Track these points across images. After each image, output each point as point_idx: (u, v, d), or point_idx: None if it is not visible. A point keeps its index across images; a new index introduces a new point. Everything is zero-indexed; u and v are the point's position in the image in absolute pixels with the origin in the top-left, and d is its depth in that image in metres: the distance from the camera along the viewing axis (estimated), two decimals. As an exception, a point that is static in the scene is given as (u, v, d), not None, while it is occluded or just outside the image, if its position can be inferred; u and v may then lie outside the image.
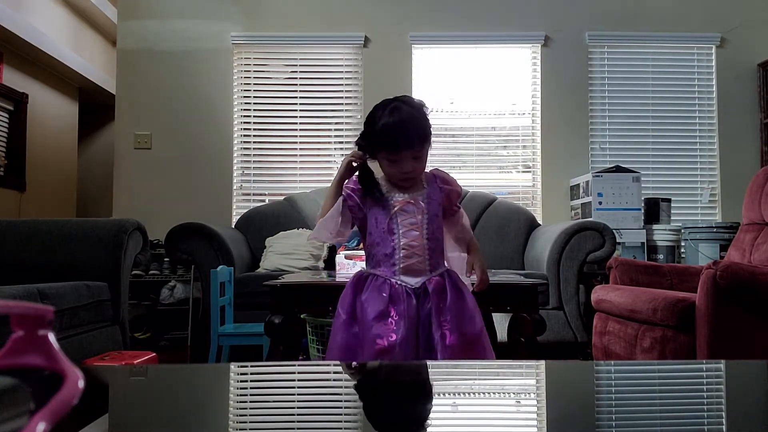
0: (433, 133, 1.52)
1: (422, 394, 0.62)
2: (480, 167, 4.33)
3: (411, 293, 1.43)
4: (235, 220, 4.12)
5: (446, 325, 1.42)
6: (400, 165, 1.45)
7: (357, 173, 1.51)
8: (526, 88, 4.38)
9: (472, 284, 1.56)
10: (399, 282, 1.44)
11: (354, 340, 1.45)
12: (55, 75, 5.47)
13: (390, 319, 1.40)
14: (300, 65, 4.39)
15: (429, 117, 1.49)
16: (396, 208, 1.46)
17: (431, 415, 0.55)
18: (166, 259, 4.01)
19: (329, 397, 0.63)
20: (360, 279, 1.50)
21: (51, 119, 5.49)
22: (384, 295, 1.42)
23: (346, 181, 1.51)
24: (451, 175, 1.58)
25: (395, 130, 1.42)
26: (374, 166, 1.51)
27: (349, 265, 2.21)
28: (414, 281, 1.44)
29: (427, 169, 1.54)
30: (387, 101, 1.47)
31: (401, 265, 1.44)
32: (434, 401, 0.59)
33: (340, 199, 1.49)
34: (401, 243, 1.44)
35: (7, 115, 4.86)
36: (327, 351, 1.53)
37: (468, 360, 1.38)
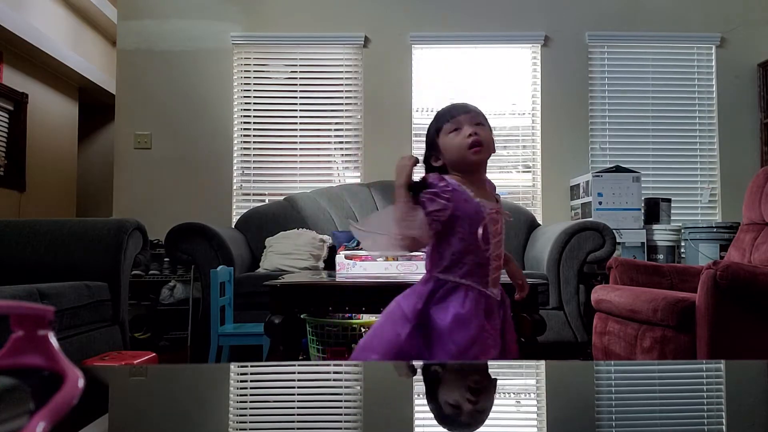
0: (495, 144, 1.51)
1: (424, 395, 0.62)
2: (480, 167, 4.32)
3: (499, 305, 1.41)
4: (235, 220, 4.12)
5: (509, 331, 1.44)
6: (462, 131, 1.38)
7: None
8: (526, 88, 4.38)
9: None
10: (491, 293, 1.38)
11: (411, 348, 1.33)
12: (55, 75, 5.47)
13: (486, 334, 1.35)
14: (300, 65, 4.39)
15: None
16: (489, 217, 1.37)
17: (433, 416, 0.55)
18: (166, 259, 4.01)
19: (329, 397, 0.63)
20: (439, 286, 1.37)
21: (51, 119, 5.49)
22: (482, 308, 1.36)
23: (427, 177, 1.39)
24: None
25: (450, 105, 1.45)
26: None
27: (349, 265, 2.21)
28: (497, 292, 1.41)
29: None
30: None
31: (492, 276, 1.39)
32: (435, 401, 0.59)
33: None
34: (494, 253, 1.38)
35: (7, 115, 4.86)
36: (361, 349, 1.40)
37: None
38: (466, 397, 0.61)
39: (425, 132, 1.47)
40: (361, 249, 2.24)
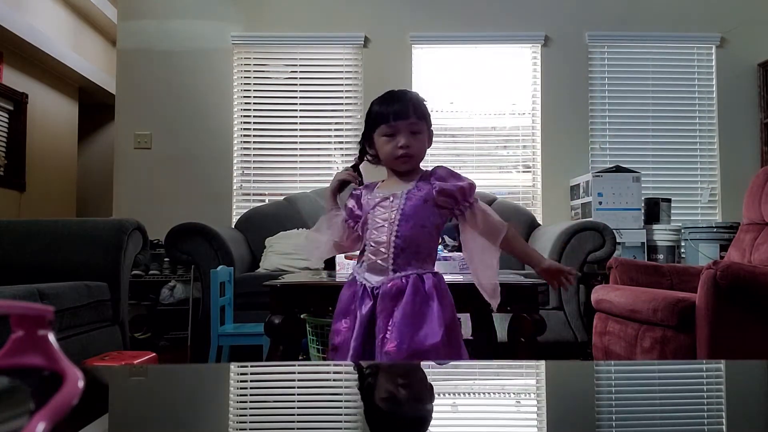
0: (433, 133, 1.49)
1: (422, 395, 0.62)
2: (480, 167, 4.33)
3: (369, 292, 1.40)
4: (235, 220, 4.12)
5: (390, 330, 1.34)
6: (397, 139, 1.41)
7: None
8: (526, 88, 4.38)
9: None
10: (362, 280, 1.42)
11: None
12: (55, 75, 5.47)
13: (346, 319, 1.42)
14: (300, 65, 4.39)
15: (427, 105, 1.47)
16: (374, 204, 1.44)
17: (431, 416, 0.55)
18: (166, 259, 4.01)
19: (329, 397, 0.63)
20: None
21: (51, 119, 5.49)
22: (353, 290, 1.43)
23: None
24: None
25: (389, 101, 1.44)
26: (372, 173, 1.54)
27: (349, 265, 2.21)
28: (374, 280, 1.40)
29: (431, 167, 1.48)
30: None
31: (366, 263, 1.42)
32: (434, 401, 0.59)
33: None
34: (370, 240, 1.42)
35: (7, 115, 4.86)
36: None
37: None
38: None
39: (368, 110, 1.51)
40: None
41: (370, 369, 0.79)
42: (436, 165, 1.48)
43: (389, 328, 1.34)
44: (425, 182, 1.44)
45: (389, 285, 1.37)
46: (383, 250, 1.39)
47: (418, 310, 1.35)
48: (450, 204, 1.41)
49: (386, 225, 1.40)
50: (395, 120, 1.40)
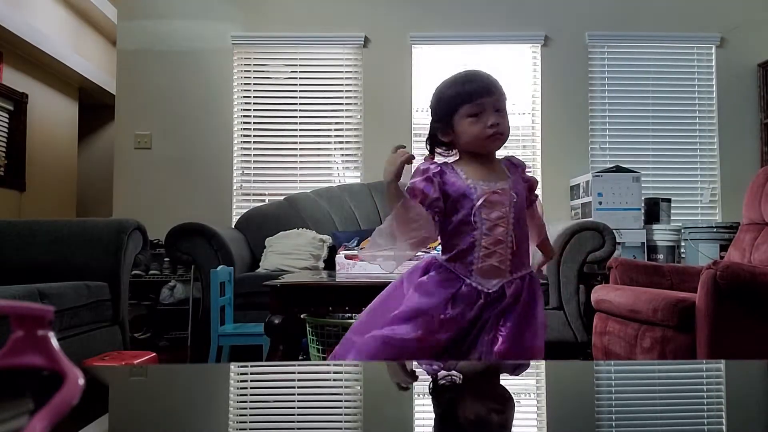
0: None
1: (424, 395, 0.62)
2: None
3: (482, 297, 1.26)
4: (235, 220, 4.12)
5: (503, 330, 1.26)
6: (484, 118, 1.28)
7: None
8: (526, 87, 4.38)
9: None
10: (474, 283, 1.27)
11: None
12: (55, 75, 5.47)
13: (438, 316, 1.25)
14: (300, 65, 4.38)
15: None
16: (483, 199, 1.26)
17: (432, 416, 0.55)
18: (166, 259, 4.01)
19: (329, 397, 0.63)
20: (431, 265, 1.33)
21: (51, 119, 5.49)
22: (448, 291, 1.26)
23: (419, 164, 1.31)
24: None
25: (466, 81, 1.31)
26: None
27: (349, 265, 2.21)
28: (490, 284, 1.27)
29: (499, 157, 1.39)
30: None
31: (479, 265, 1.27)
32: (434, 402, 0.59)
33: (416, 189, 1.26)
34: (483, 241, 1.27)
35: (7, 115, 4.85)
36: (364, 320, 1.35)
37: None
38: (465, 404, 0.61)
39: (434, 97, 1.35)
40: (361, 248, 2.24)
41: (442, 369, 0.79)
42: (508, 154, 1.41)
43: (501, 329, 1.26)
44: (514, 174, 1.35)
45: (512, 289, 1.28)
46: (501, 251, 1.27)
47: (530, 314, 1.31)
48: (527, 198, 1.38)
49: (502, 224, 1.27)
50: (480, 98, 1.28)
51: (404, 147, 1.24)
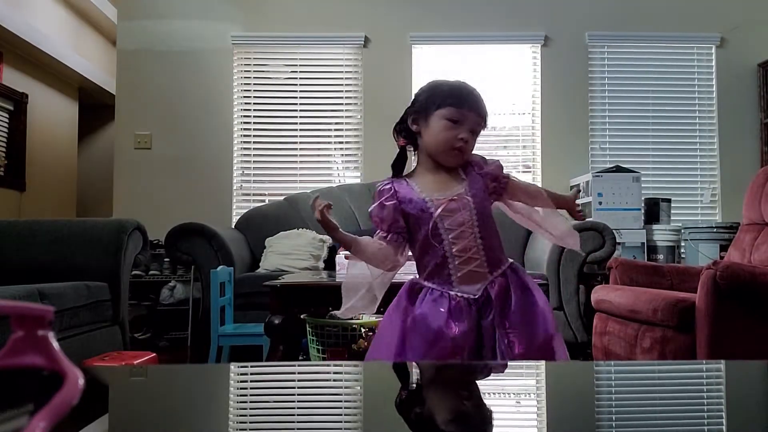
0: None
1: (422, 395, 0.62)
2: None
3: (472, 304, 1.26)
4: (235, 220, 4.12)
5: (512, 331, 1.26)
6: (460, 129, 1.27)
7: (396, 160, 1.34)
8: (526, 87, 4.38)
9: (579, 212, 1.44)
10: (459, 293, 1.27)
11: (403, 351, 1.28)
12: (55, 75, 5.47)
13: (452, 335, 1.24)
14: (300, 65, 4.39)
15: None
16: (439, 210, 1.27)
17: (431, 416, 0.55)
18: (166, 260, 4.01)
19: (329, 397, 0.63)
20: (413, 289, 1.33)
21: (51, 119, 5.49)
22: (442, 310, 1.25)
23: (378, 185, 1.34)
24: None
25: (461, 88, 1.30)
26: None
27: (349, 266, 2.20)
28: (474, 289, 1.27)
29: None
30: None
31: (458, 275, 1.27)
32: (434, 402, 0.59)
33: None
34: (453, 250, 1.27)
35: (7, 115, 4.85)
36: (371, 351, 1.37)
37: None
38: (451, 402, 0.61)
39: (427, 85, 1.35)
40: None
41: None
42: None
43: (509, 333, 1.26)
44: (470, 175, 1.34)
45: (496, 288, 1.27)
46: (475, 256, 1.27)
47: (528, 304, 1.30)
48: (496, 188, 1.37)
49: (467, 229, 1.27)
50: (469, 111, 1.28)
51: (317, 197, 1.27)
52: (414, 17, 4.33)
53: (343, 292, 1.34)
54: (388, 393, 0.63)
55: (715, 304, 2.01)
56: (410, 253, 1.37)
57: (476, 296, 1.27)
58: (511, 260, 1.36)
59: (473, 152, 1.37)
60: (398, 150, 1.38)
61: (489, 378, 0.74)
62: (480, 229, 1.28)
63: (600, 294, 2.69)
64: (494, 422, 0.52)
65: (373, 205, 1.32)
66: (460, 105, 1.28)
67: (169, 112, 4.28)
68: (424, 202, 1.29)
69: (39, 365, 0.37)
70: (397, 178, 1.35)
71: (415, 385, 0.66)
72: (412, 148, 1.38)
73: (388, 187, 1.32)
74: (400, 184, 1.33)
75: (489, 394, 0.64)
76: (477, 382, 0.70)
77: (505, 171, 1.40)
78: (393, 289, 1.38)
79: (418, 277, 1.35)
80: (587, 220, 3.70)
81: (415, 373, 0.74)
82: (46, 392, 0.35)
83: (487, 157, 1.41)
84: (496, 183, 1.37)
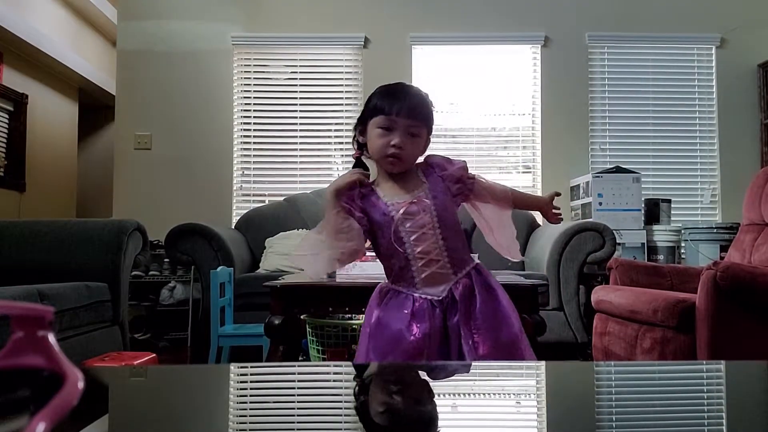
0: (433, 132, 1.41)
1: (422, 395, 0.62)
2: (480, 168, 4.32)
3: (437, 305, 1.28)
4: (235, 220, 4.12)
5: (476, 332, 1.27)
6: (392, 135, 1.28)
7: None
8: (526, 88, 4.38)
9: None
10: (422, 295, 1.28)
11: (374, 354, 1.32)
12: (55, 75, 5.47)
13: (412, 336, 1.26)
14: (300, 65, 4.39)
15: (432, 107, 1.35)
16: (400, 212, 1.29)
17: (432, 416, 0.55)
18: (166, 260, 4.01)
19: (329, 397, 0.63)
20: (381, 292, 1.36)
21: (51, 119, 5.49)
22: (405, 312, 1.27)
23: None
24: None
25: (395, 93, 1.31)
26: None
27: (349, 266, 2.20)
28: (438, 291, 1.29)
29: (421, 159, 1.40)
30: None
31: (421, 276, 1.29)
32: (434, 402, 0.59)
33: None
34: (415, 252, 1.28)
35: (7, 116, 4.86)
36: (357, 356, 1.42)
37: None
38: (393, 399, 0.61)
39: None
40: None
41: (367, 371, 0.79)
42: (427, 154, 1.40)
43: (474, 334, 1.27)
44: (430, 177, 1.36)
45: (460, 289, 1.28)
46: (437, 257, 1.29)
47: (492, 304, 1.31)
48: (460, 189, 1.37)
49: (428, 231, 1.29)
50: (397, 115, 1.28)
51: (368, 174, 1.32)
52: (414, 17, 4.33)
53: (303, 243, 1.36)
54: (387, 395, 0.63)
55: (716, 305, 2.01)
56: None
57: (440, 297, 1.29)
58: (477, 261, 1.37)
59: (434, 154, 1.39)
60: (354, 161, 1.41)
61: (489, 378, 0.74)
62: (441, 230, 1.30)
63: (600, 294, 2.69)
64: (437, 422, 0.52)
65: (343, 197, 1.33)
66: (389, 112, 1.29)
67: (169, 112, 4.28)
68: (386, 206, 1.31)
69: (39, 366, 0.37)
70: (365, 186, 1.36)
71: (368, 386, 0.66)
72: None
73: (363, 187, 1.35)
74: (368, 189, 1.35)
75: (489, 394, 0.64)
76: (431, 382, 0.70)
77: (470, 172, 1.40)
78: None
79: (387, 281, 1.38)
80: (587, 220, 3.71)
81: (370, 374, 0.74)
82: (46, 393, 0.35)
83: (453, 158, 1.41)
84: (460, 184, 1.37)
